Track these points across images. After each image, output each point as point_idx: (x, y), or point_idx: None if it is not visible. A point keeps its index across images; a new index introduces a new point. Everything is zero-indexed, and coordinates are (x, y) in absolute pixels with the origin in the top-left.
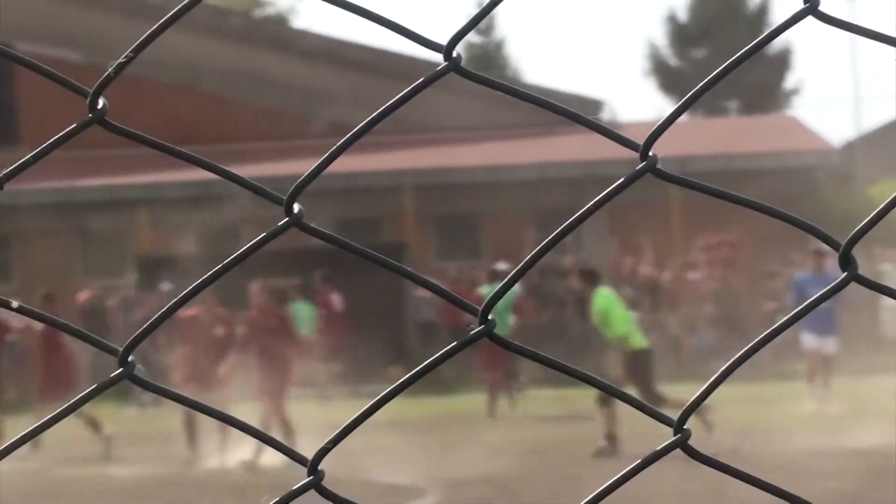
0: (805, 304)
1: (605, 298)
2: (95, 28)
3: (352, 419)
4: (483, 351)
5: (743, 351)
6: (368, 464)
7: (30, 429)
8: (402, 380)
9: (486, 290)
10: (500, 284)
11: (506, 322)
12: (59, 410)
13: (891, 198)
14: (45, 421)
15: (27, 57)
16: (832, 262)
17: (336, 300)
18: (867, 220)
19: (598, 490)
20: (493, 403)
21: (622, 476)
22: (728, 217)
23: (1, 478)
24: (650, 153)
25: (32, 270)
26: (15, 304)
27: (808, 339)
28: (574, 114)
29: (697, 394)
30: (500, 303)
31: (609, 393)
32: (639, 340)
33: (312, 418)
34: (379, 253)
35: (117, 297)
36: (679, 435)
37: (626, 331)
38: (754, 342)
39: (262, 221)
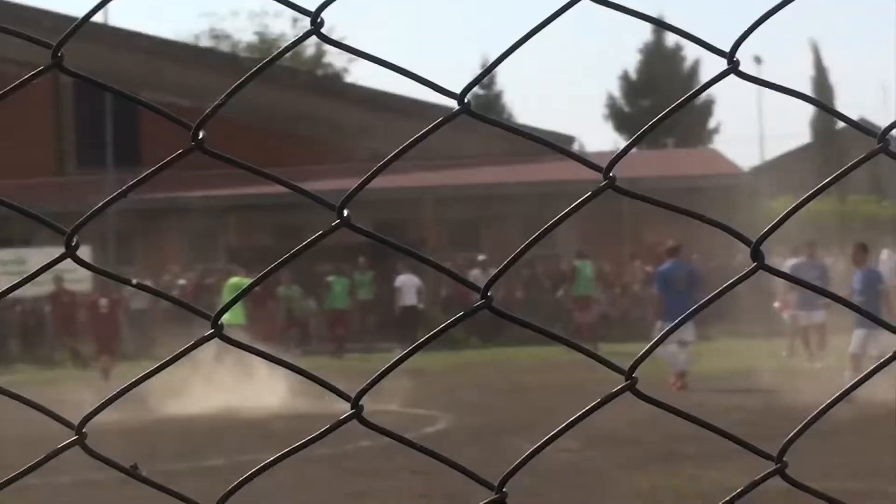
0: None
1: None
2: (199, 81)
3: (384, 367)
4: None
5: (686, 313)
6: (397, 399)
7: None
8: (423, 339)
9: (475, 273)
10: (498, 269)
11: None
12: (158, 364)
13: (789, 209)
14: (149, 372)
15: (149, 102)
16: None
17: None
18: (771, 224)
19: (563, 424)
20: None
21: (581, 413)
22: (666, 224)
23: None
24: (611, 174)
25: (151, 257)
26: (134, 281)
27: (802, 316)
28: (552, 144)
29: (646, 348)
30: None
31: (575, 349)
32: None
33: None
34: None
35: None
36: (629, 381)
37: None
38: (695, 307)
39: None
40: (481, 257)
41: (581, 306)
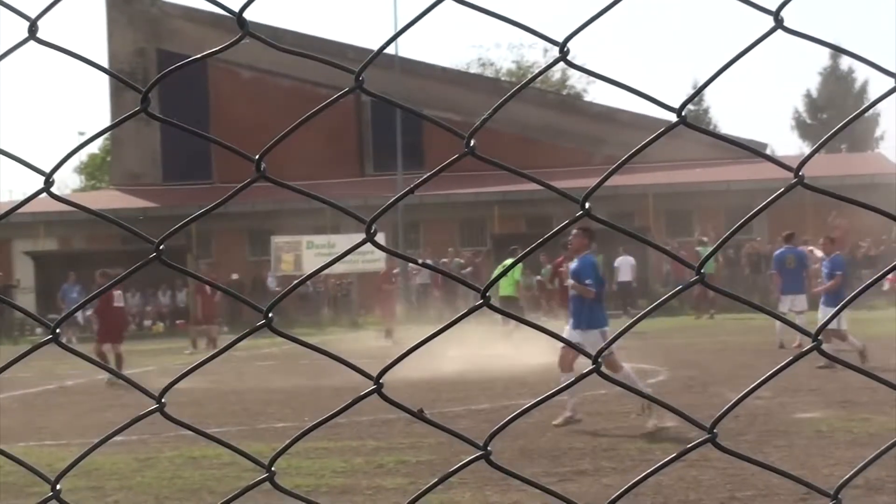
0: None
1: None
2: (469, 100)
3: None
4: None
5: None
6: (627, 357)
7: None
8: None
9: (699, 250)
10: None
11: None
12: (437, 329)
13: None
14: (430, 335)
15: (430, 115)
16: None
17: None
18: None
19: (761, 378)
20: None
21: (776, 370)
22: (842, 216)
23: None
24: (800, 174)
25: (433, 243)
26: (420, 260)
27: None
28: (751, 148)
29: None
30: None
31: (770, 314)
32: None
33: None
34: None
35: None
36: (815, 343)
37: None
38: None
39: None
40: (704, 238)
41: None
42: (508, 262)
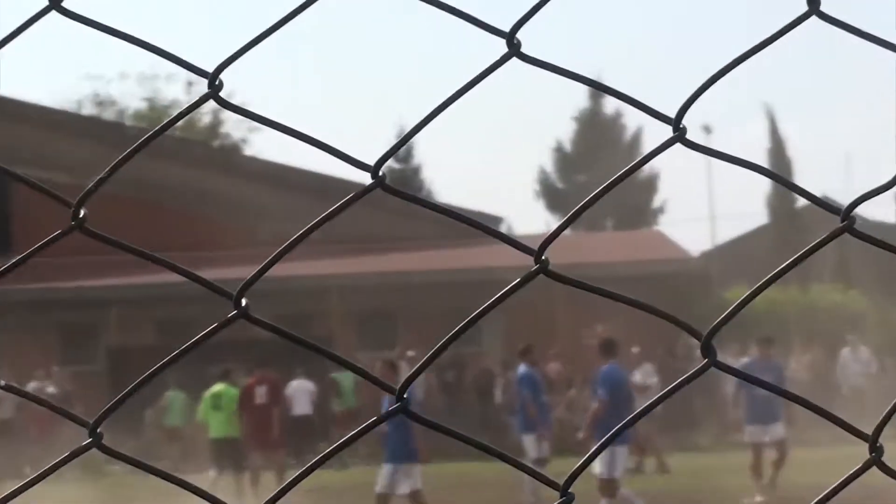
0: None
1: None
2: (82, 155)
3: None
4: None
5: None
6: None
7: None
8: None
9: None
10: (414, 368)
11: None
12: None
13: (741, 299)
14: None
15: (22, 175)
16: (775, 351)
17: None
18: (722, 316)
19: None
20: None
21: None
22: (605, 315)
23: None
24: (543, 257)
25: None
26: (1, 382)
27: (752, 431)
28: (480, 224)
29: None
30: (348, 383)
31: (501, 458)
32: None
33: None
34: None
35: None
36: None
37: None
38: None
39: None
40: (410, 353)
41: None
42: (220, 387)
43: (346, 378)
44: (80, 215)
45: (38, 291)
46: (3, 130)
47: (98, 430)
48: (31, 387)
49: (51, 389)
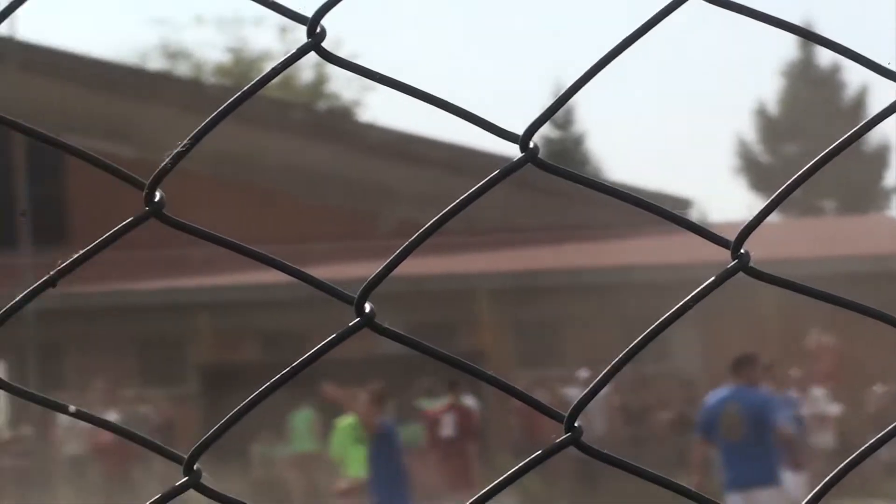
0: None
1: None
2: (148, 122)
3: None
4: None
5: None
6: None
7: None
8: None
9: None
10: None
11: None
12: None
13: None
14: None
15: (79, 148)
16: None
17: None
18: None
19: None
20: None
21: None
22: (826, 322)
23: None
24: (741, 251)
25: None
26: (72, 408)
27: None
28: (663, 210)
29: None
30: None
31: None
32: None
33: None
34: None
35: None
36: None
37: None
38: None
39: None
40: (583, 373)
41: None
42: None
43: (301, 418)
44: (156, 199)
45: (107, 296)
46: (53, 92)
47: (195, 467)
48: (111, 416)
49: (129, 416)
